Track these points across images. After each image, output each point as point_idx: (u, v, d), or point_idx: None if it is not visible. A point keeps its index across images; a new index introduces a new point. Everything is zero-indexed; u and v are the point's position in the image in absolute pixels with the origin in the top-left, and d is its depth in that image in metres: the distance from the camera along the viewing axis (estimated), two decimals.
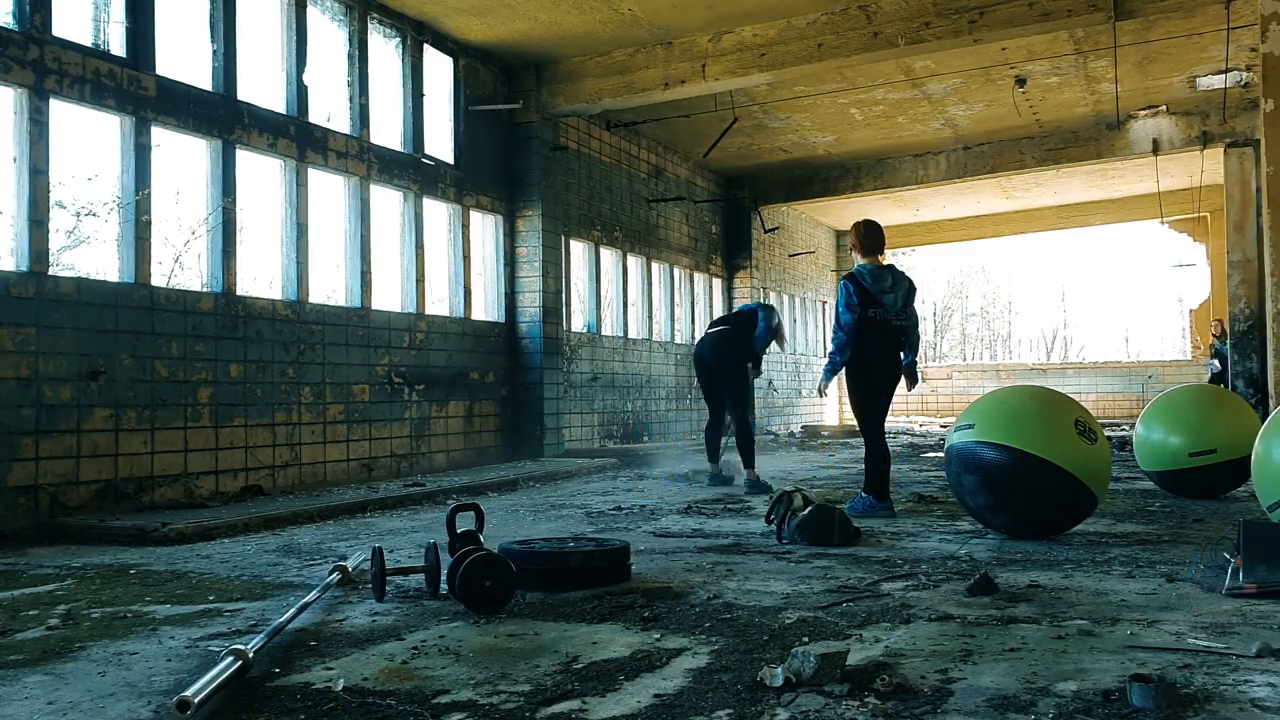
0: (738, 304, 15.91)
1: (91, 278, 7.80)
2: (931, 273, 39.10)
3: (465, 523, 3.95)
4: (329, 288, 10.29)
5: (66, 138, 6.57)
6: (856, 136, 13.69)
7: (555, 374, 10.55)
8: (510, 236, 10.48)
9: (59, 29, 6.15)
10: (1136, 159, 13.72)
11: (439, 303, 10.18)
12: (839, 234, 20.65)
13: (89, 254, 12.22)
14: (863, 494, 6.08)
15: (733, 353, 7.79)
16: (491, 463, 9.76)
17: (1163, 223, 18.28)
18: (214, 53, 7.26)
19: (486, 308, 10.32)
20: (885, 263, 6.11)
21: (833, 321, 6.06)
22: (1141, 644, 2.83)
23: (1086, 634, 2.96)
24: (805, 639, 2.95)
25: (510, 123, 10.44)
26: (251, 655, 2.63)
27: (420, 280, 9.19)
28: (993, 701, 2.34)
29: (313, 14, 8.10)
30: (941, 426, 17.89)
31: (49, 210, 6.13)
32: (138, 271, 6.56)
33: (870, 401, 6.09)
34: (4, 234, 6.44)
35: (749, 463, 7.69)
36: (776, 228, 16.75)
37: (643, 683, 2.55)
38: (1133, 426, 7.62)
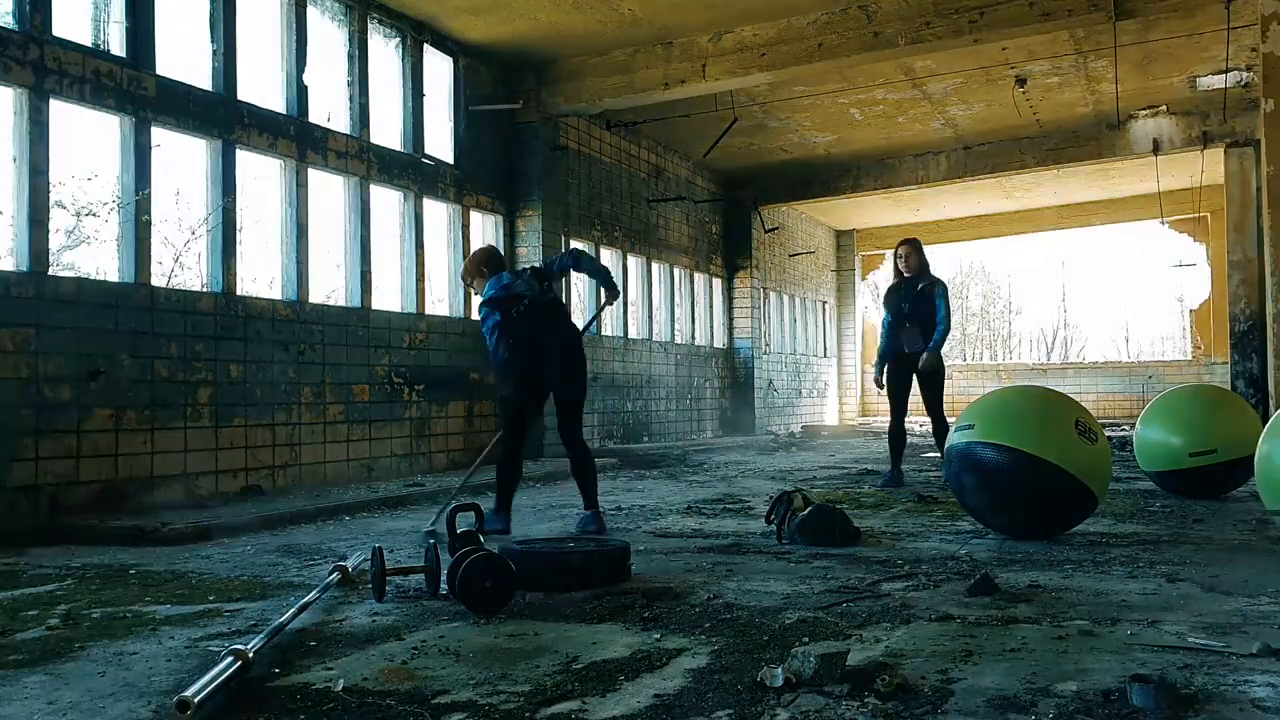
0: (738, 304, 15.92)
1: (91, 278, 7.81)
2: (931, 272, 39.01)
3: (465, 523, 3.95)
4: (329, 288, 10.29)
5: (66, 138, 6.58)
6: (856, 136, 13.69)
7: None
8: (510, 236, 10.48)
9: (59, 29, 6.15)
10: (1136, 159, 13.71)
11: (439, 303, 10.18)
12: (839, 234, 20.65)
13: (89, 254, 12.21)
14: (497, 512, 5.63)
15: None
16: (491, 463, 9.74)
17: (1163, 223, 18.26)
18: (214, 53, 7.26)
19: None
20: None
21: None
22: (1141, 644, 2.83)
23: (1087, 634, 2.96)
24: (805, 639, 2.95)
25: (510, 123, 10.43)
26: (251, 655, 2.62)
27: (420, 280, 9.19)
28: (993, 701, 2.34)
29: (313, 14, 8.10)
30: None
31: (49, 210, 6.13)
32: (138, 271, 6.56)
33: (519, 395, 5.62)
34: (4, 234, 6.44)
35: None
36: (776, 228, 16.74)
37: (643, 683, 2.55)
38: (1133, 426, 7.60)
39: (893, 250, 7.92)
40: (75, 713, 2.41)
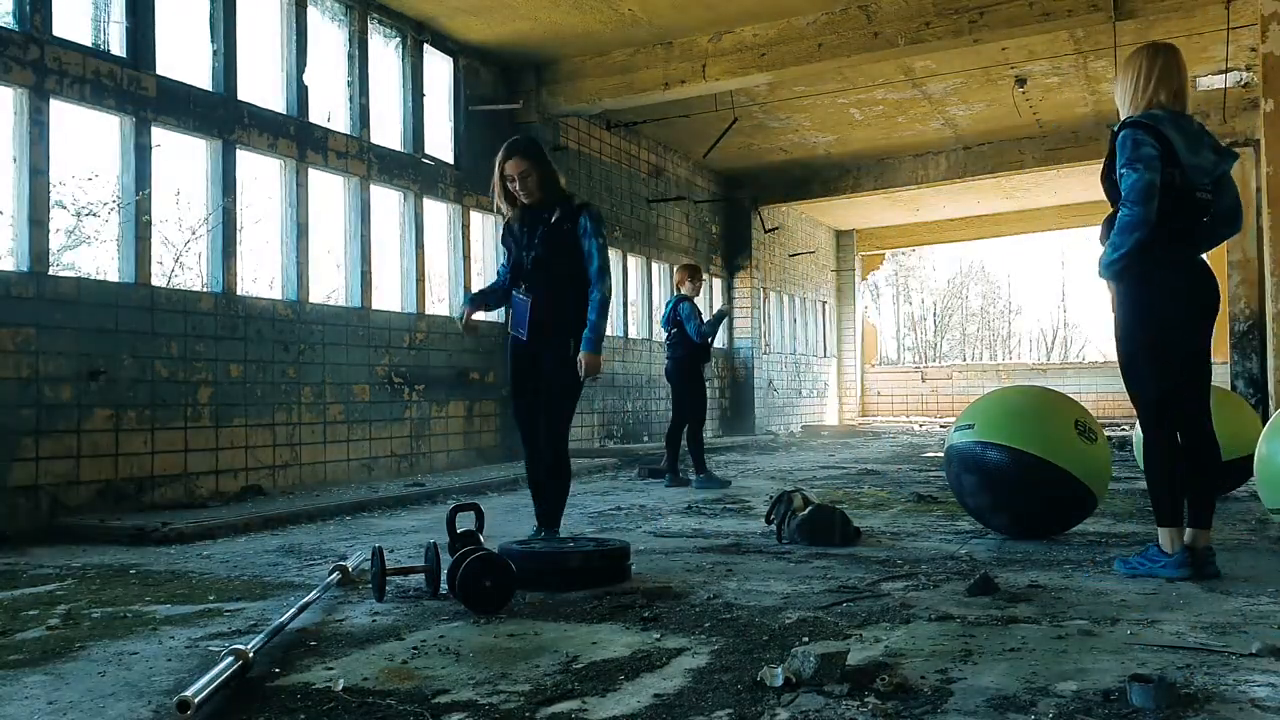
0: (738, 304, 15.92)
1: (91, 278, 7.81)
2: (931, 273, 39.05)
3: (465, 523, 3.95)
4: (329, 288, 10.29)
5: (66, 138, 6.58)
6: (856, 136, 13.69)
7: None
8: None
9: (59, 29, 6.15)
10: None
11: (439, 303, 10.18)
12: (839, 234, 20.65)
13: (89, 254, 12.21)
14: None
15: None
16: (491, 463, 9.76)
17: None
18: (214, 53, 7.26)
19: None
20: None
21: None
22: (1141, 644, 2.83)
23: (1086, 634, 2.96)
24: (805, 639, 2.95)
25: (510, 123, 10.42)
26: (251, 655, 2.62)
27: (420, 280, 9.19)
28: (993, 701, 2.34)
29: (313, 14, 8.10)
30: (941, 427, 17.89)
31: (49, 210, 6.13)
32: (138, 271, 6.56)
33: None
34: (4, 234, 6.44)
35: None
36: (776, 228, 16.74)
37: (643, 683, 2.55)
38: (1133, 426, 7.60)
39: None
40: (75, 712, 2.41)
